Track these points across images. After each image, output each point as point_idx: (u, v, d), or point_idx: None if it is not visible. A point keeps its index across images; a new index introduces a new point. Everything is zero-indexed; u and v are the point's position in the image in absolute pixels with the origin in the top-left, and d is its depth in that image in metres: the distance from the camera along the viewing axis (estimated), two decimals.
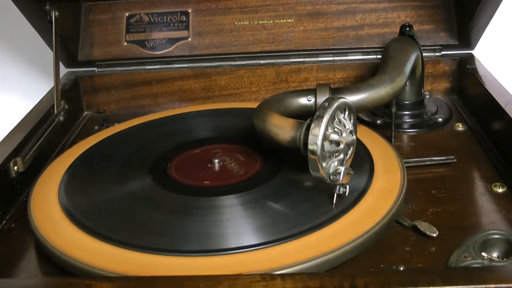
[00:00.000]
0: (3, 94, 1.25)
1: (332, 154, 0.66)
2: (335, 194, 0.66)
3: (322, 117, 0.64)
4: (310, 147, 0.64)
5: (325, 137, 0.64)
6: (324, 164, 0.65)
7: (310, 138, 0.64)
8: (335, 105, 0.65)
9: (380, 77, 0.81)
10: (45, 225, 0.66)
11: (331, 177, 0.66)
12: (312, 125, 0.64)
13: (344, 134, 0.66)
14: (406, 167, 0.74)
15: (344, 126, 0.67)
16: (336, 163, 0.66)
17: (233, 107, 0.96)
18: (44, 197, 0.72)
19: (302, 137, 0.67)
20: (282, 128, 0.69)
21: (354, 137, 0.68)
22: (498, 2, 0.92)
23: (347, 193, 0.66)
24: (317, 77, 1.03)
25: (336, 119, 0.66)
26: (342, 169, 0.65)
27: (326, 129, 0.64)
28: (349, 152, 0.68)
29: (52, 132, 0.88)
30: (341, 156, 0.67)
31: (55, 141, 0.91)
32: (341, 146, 0.66)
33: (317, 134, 0.64)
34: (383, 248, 0.63)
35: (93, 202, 0.71)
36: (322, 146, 0.64)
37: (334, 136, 0.65)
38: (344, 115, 0.68)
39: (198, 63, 1.04)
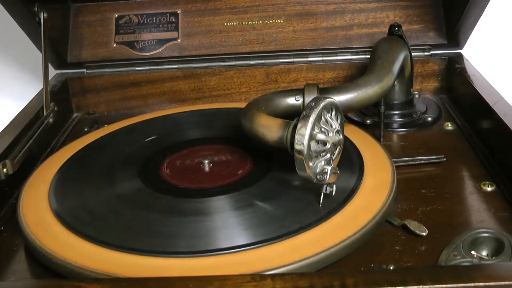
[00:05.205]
0: None
1: (318, 154, 0.66)
2: (322, 194, 0.66)
3: (309, 117, 0.64)
4: (296, 147, 0.64)
5: (312, 137, 0.65)
6: (310, 164, 0.65)
7: (297, 138, 0.64)
8: (322, 105, 0.66)
9: (368, 77, 0.81)
10: (35, 227, 0.66)
11: (317, 177, 0.66)
12: (299, 125, 0.65)
13: (330, 134, 0.66)
14: (396, 166, 0.75)
15: (331, 126, 0.67)
16: (322, 162, 0.67)
17: (223, 108, 0.96)
18: (34, 199, 0.72)
19: (289, 137, 0.67)
20: (269, 128, 0.69)
21: (341, 136, 0.68)
22: (486, 2, 0.92)
23: (333, 193, 0.66)
24: (307, 77, 1.03)
25: (323, 119, 0.66)
26: (328, 168, 0.65)
27: (313, 129, 0.64)
28: (336, 151, 0.68)
29: (42, 134, 0.88)
30: (328, 155, 0.67)
31: (45, 143, 0.91)
32: (328, 145, 0.66)
33: (304, 134, 0.64)
34: (373, 247, 0.64)
35: (83, 204, 0.71)
36: (309, 146, 0.64)
37: (321, 136, 0.65)
38: (331, 114, 0.68)
39: (188, 64, 1.03)
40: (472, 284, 0.49)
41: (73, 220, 0.67)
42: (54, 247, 0.62)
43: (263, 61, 1.03)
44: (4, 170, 0.76)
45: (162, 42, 1.05)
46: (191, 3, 1.05)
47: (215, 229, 0.64)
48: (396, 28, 0.91)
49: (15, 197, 0.77)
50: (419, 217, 0.69)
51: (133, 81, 1.04)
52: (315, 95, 0.79)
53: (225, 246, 0.61)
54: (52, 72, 1.05)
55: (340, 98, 0.78)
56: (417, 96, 0.98)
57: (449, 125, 0.90)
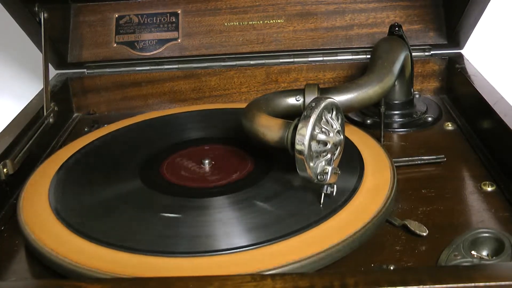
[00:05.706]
0: None
1: (319, 154, 0.66)
2: (323, 194, 0.66)
3: (309, 117, 0.64)
4: (297, 147, 0.64)
5: (312, 137, 0.65)
6: (311, 164, 0.65)
7: (297, 138, 0.64)
8: (322, 105, 0.66)
9: (368, 77, 0.81)
10: (35, 227, 0.66)
11: (318, 177, 0.66)
12: (299, 125, 0.64)
13: (331, 134, 0.66)
14: (396, 166, 0.75)
15: (332, 126, 0.67)
16: (323, 163, 0.66)
17: (223, 108, 0.96)
18: (34, 199, 0.72)
19: (289, 137, 0.67)
20: (269, 128, 0.69)
21: (342, 137, 0.68)
22: (486, 2, 0.92)
23: (334, 193, 0.66)
24: (307, 77, 1.03)
25: (324, 119, 0.66)
26: (329, 168, 0.66)
27: (313, 129, 0.64)
28: (337, 152, 0.68)
29: (42, 134, 0.88)
30: (329, 156, 0.67)
31: (45, 143, 0.91)
32: (329, 146, 0.66)
33: (304, 134, 0.64)
34: (374, 247, 0.64)
35: (83, 204, 0.71)
36: (309, 146, 0.64)
37: (321, 136, 0.65)
38: (332, 115, 0.68)
39: (188, 64, 1.03)
40: (472, 284, 0.49)
41: (73, 219, 0.67)
42: (54, 247, 0.62)
43: (263, 61, 1.03)
44: (5, 170, 0.76)
45: (162, 42, 1.05)
46: (191, 3, 1.05)
47: (215, 229, 0.64)
48: (397, 28, 0.91)
49: (15, 197, 0.77)
50: (419, 217, 0.69)
51: (134, 81, 1.04)
52: (316, 95, 0.79)
53: (225, 246, 0.61)
54: (53, 72, 1.05)
55: (340, 98, 0.78)
56: (417, 96, 0.98)
57: (450, 125, 0.90)
